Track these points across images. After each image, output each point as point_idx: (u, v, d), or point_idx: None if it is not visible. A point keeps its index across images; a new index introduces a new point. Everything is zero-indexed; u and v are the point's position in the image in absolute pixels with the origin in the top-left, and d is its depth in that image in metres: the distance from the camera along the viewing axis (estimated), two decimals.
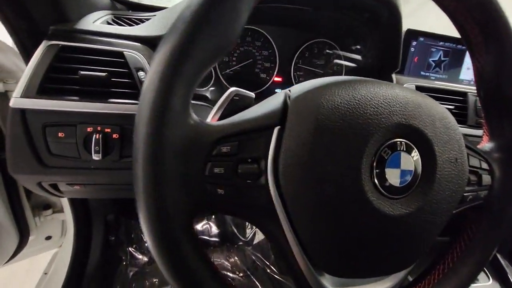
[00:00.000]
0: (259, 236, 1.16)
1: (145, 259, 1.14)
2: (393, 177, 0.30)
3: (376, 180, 0.29)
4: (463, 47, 0.87)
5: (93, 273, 0.99)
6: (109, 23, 0.60)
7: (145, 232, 0.27)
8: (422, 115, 0.31)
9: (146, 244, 1.12)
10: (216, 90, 0.68)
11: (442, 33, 0.85)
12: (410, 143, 0.31)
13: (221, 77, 0.67)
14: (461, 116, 0.76)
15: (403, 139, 0.31)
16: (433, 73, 0.87)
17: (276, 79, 0.72)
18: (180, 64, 0.26)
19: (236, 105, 0.37)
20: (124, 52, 0.54)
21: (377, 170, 0.29)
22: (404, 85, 0.73)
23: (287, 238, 0.30)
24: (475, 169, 0.38)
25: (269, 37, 0.69)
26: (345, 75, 0.76)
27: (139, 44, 0.56)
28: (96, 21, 0.59)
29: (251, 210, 0.31)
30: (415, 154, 0.31)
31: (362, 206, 0.29)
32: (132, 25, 0.60)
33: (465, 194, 0.36)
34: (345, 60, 0.75)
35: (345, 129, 0.29)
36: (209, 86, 0.67)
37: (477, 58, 0.40)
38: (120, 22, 0.61)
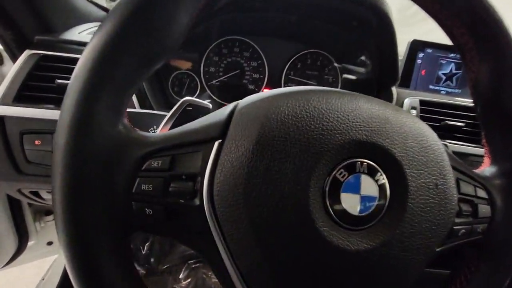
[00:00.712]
0: None
1: (143, 271, 1.12)
2: (350, 204, 0.25)
3: (329, 207, 0.25)
4: None
5: None
6: None
7: (64, 258, 0.24)
8: (390, 131, 0.27)
9: (143, 255, 1.11)
10: None
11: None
12: (374, 165, 0.26)
13: (206, 88, 0.66)
14: (473, 135, 0.68)
15: (365, 159, 0.26)
16: (443, 87, 0.80)
17: (266, 90, 0.69)
18: (104, 69, 0.24)
19: (190, 116, 0.34)
20: None
21: (330, 195, 0.25)
22: (406, 99, 0.67)
23: (225, 265, 0.27)
24: (468, 198, 0.31)
25: (257, 47, 0.66)
26: (341, 87, 0.72)
27: None
28: (82, 32, 0.60)
29: (185, 233, 0.28)
30: (381, 178, 0.26)
31: (310, 238, 0.25)
32: None
33: (454, 227, 0.30)
34: (341, 73, 0.71)
35: (291, 145, 0.25)
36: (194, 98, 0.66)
37: (471, 67, 0.35)
38: None
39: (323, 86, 0.70)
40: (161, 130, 0.34)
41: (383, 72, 0.66)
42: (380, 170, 0.26)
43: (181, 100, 0.35)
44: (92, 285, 0.24)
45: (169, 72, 0.63)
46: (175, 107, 0.35)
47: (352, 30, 0.60)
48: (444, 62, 0.79)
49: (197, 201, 0.26)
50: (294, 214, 0.24)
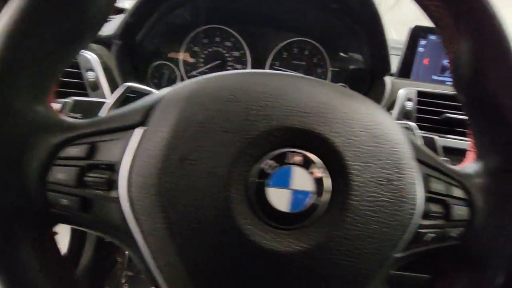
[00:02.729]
0: None
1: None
2: (279, 199, 0.22)
3: (254, 203, 0.22)
4: None
5: (82, 273, 1.01)
6: None
7: None
8: (332, 118, 0.23)
9: None
10: None
11: None
12: (310, 156, 0.22)
13: (186, 79, 0.64)
14: None
15: (298, 149, 0.23)
16: (449, 78, 0.73)
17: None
18: (16, 48, 0.22)
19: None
20: None
21: (255, 189, 0.22)
22: (401, 90, 0.62)
23: (145, 259, 0.24)
24: (439, 197, 0.27)
25: (238, 36, 0.63)
26: (331, 79, 0.68)
27: (94, 44, 0.55)
28: None
29: (103, 225, 0.26)
30: (318, 171, 0.22)
31: (230, 236, 0.21)
32: None
33: (421, 230, 0.26)
34: (330, 63, 0.66)
35: (210, 132, 0.22)
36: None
37: (450, 47, 0.30)
38: None
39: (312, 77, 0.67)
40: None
41: (374, 61, 0.60)
42: (317, 162, 0.22)
43: (121, 85, 0.33)
44: (11, 280, 0.23)
45: (147, 63, 0.62)
46: (115, 93, 0.33)
47: (333, 12, 0.55)
48: None
49: (115, 193, 0.24)
50: (212, 209, 0.21)
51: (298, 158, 0.22)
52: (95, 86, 0.54)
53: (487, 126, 0.29)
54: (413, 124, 0.36)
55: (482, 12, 0.26)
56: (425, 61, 0.73)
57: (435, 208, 0.26)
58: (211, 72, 0.74)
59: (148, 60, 0.62)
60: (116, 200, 0.23)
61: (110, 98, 0.33)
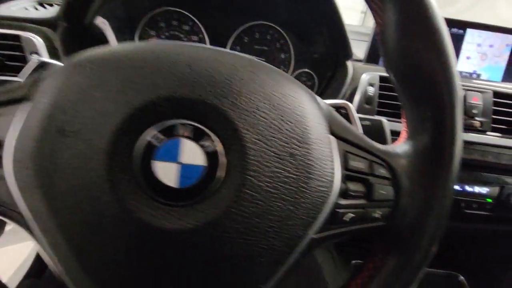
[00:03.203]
0: None
1: None
2: (166, 174, 0.20)
3: (139, 177, 0.20)
4: (460, 31, 0.69)
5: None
6: (35, 8, 0.58)
7: None
8: (227, 87, 0.21)
9: None
10: None
11: None
12: (202, 127, 0.21)
13: None
14: None
15: (188, 120, 0.21)
16: None
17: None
18: None
19: None
20: (21, 35, 0.51)
21: (141, 163, 0.20)
22: (363, 75, 0.60)
23: (37, 237, 0.23)
24: (360, 176, 0.25)
25: (196, 20, 0.61)
26: (295, 64, 0.66)
27: (40, 26, 0.53)
28: (15, 6, 0.58)
29: None
30: (210, 144, 0.21)
31: (113, 213, 0.20)
32: (47, 9, 0.57)
33: (339, 210, 0.24)
34: (294, 48, 0.64)
35: (92, 101, 0.20)
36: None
37: (376, 17, 0.28)
38: (39, 7, 0.59)
39: (275, 63, 0.65)
40: None
41: (335, 47, 0.58)
42: (210, 134, 0.21)
43: (31, 60, 0.30)
44: None
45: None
46: (25, 69, 0.31)
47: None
48: None
49: (1, 170, 0.22)
50: (93, 185, 0.19)
51: (188, 130, 0.20)
52: None
53: (416, 104, 0.27)
54: (350, 104, 0.34)
55: None
56: None
57: (354, 187, 0.24)
58: None
59: (101, 43, 0.59)
60: (2, 177, 0.22)
61: (20, 75, 0.31)
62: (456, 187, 0.60)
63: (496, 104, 0.59)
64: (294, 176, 0.21)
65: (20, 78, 0.32)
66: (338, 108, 0.34)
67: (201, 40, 0.62)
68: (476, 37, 0.69)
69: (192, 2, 0.60)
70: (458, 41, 0.70)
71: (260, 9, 0.62)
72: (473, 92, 0.59)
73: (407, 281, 0.27)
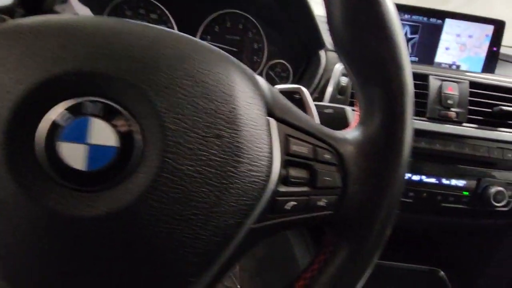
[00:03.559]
0: None
1: None
2: (73, 156, 0.18)
3: (44, 160, 0.18)
4: (439, 22, 0.68)
5: None
6: None
7: None
8: (147, 64, 0.19)
9: None
10: None
11: (408, 3, 0.67)
12: (114, 106, 0.19)
13: None
14: (420, 106, 0.57)
15: (101, 97, 0.19)
16: None
17: None
18: None
19: None
20: None
21: (44, 144, 0.18)
22: (337, 64, 0.58)
23: None
24: (303, 161, 0.23)
25: (164, 8, 0.59)
26: (268, 54, 0.64)
27: None
28: None
29: None
30: (124, 123, 0.19)
31: (18, 200, 0.18)
32: None
33: (279, 198, 0.22)
34: (266, 37, 0.62)
35: None
36: None
37: None
38: None
39: (247, 53, 0.63)
40: None
41: (307, 36, 0.57)
42: (124, 113, 0.18)
43: None
44: None
45: None
46: None
47: None
48: None
49: None
50: None
51: (98, 108, 0.18)
52: None
53: (366, 88, 0.26)
54: (303, 89, 0.32)
55: None
56: None
57: (296, 173, 0.23)
58: None
59: None
60: None
61: None
62: (433, 180, 0.59)
63: (472, 94, 0.58)
64: (220, 160, 0.19)
65: None
66: (292, 93, 0.32)
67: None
68: (455, 28, 0.68)
69: None
70: (437, 31, 0.68)
71: None
72: (448, 82, 0.58)
73: (359, 272, 0.26)
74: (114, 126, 0.18)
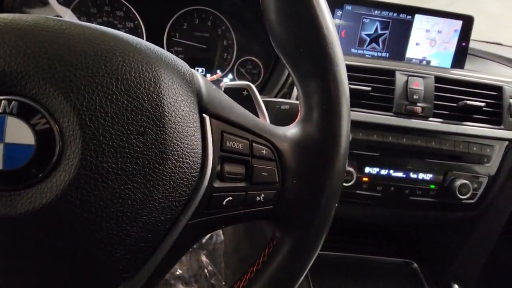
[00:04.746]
0: (215, 240, 1.06)
1: None
2: None
3: None
4: (408, 17, 0.68)
5: None
6: None
7: None
8: (60, 58, 0.19)
9: None
10: None
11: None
12: (31, 104, 0.18)
13: None
14: (385, 101, 0.58)
15: (17, 96, 0.18)
16: (368, 50, 0.70)
17: None
18: None
19: None
20: None
21: None
22: None
23: None
24: (239, 157, 0.24)
25: (129, 6, 0.58)
26: (238, 51, 0.64)
27: None
28: None
29: None
30: (41, 121, 0.18)
31: None
32: None
33: (216, 194, 0.23)
34: (235, 35, 0.62)
35: None
36: None
37: None
38: None
39: (217, 50, 0.63)
40: None
41: None
42: (41, 111, 0.18)
43: None
44: None
45: None
46: None
47: None
48: (367, 21, 0.68)
49: None
50: None
51: (14, 106, 0.18)
52: None
53: (304, 84, 0.26)
54: (252, 86, 0.32)
55: None
56: (342, 34, 0.70)
57: (232, 169, 0.23)
58: None
59: None
60: None
61: None
62: (400, 174, 0.60)
63: (438, 89, 0.59)
64: (145, 157, 0.19)
65: None
66: (240, 89, 0.32)
67: (137, 27, 0.59)
68: (424, 23, 0.69)
69: None
70: (407, 27, 0.69)
71: None
72: (414, 77, 0.58)
73: (301, 264, 0.26)
74: (30, 124, 0.18)
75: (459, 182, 0.58)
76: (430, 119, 0.59)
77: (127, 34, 0.22)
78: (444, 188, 0.60)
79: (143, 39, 0.60)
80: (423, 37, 0.69)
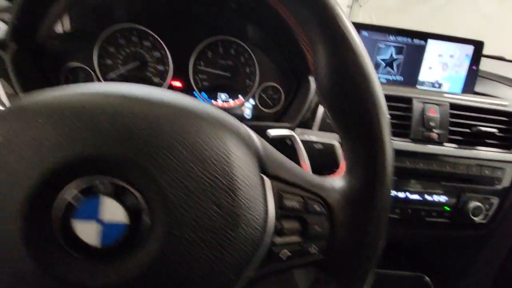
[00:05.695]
0: None
1: None
2: (87, 233, 0.20)
3: (60, 238, 0.20)
4: (422, 42, 0.71)
5: None
6: None
7: None
8: (144, 140, 0.21)
9: None
10: None
11: (393, 26, 0.70)
12: (122, 185, 0.21)
13: (103, 82, 0.60)
14: (404, 128, 0.61)
15: (110, 177, 0.21)
16: (384, 74, 0.72)
17: (174, 83, 0.63)
18: None
19: None
20: None
21: (60, 223, 0.20)
22: None
23: None
24: (294, 213, 0.26)
25: (156, 36, 0.60)
26: (260, 77, 0.66)
27: None
28: None
29: None
30: (132, 201, 0.21)
31: (35, 275, 0.20)
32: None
33: (274, 248, 0.25)
34: (258, 62, 0.64)
35: (5, 160, 0.20)
36: None
37: (310, 59, 0.28)
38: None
39: (240, 77, 0.65)
40: None
41: (296, 61, 0.59)
42: (132, 191, 0.20)
43: None
44: None
45: (57, 66, 0.58)
46: None
47: (235, 12, 0.53)
48: (382, 46, 0.71)
49: None
50: (9, 252, 0.19)
51: (108, 188, 0.20)
52: None
53: (350, 139, 0.28)
54: (295, 135, 0.34)
55: (335, 31, 0.25)
56: None
57: (289, 225, 0.25)
58: (130, 75, 0.69)
59: (59, 62, 0.58)
60: None
61: None
62: (417, 196, 0.63)
63: (452, 115, 0.61)
64: (219, 225, 0.21)
65: None
66: (284, 138, 0.35)
67: (163, 57, 0.61)
68: (437, 48, 0.71)
69: (151, 18, 0.59)
70: (420, 52, 0.71)
71: (221, 24, 0.61)
72: (430, 104, 0.61)
73: None
74: (123, 203, 0.20)
75: (472, 204, 0.61)
76: (445, 144, 0.61)
77: (196, 103, 0.24)
78: (458, 210, 0.63)
79: (169, 68, 0.62)
80: (436, 61, 0.72)
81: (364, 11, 3.22)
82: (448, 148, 0.61)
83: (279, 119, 0.66)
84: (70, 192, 0.20)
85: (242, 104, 0.66)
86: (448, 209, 0.62)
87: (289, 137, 0.34)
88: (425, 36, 0.70)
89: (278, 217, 0.24)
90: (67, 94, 0.22)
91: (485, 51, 0.71)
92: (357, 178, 0.27)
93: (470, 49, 0.72)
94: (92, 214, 0.20)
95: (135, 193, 0.20)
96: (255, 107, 0.67)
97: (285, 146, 0.35)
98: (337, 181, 0.28)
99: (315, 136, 0.57)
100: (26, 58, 0.51)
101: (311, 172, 0.28)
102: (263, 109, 0.67)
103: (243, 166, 0.23)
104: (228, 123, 0.24)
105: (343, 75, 0.26)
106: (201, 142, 0.22)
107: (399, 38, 0.70)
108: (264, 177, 0.24)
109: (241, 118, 0.66)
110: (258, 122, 0.60)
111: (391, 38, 0.70)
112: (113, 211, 0.20)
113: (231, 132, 0.24)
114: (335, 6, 0.25)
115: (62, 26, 0.53)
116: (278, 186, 0.25)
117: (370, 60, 0.26)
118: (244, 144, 0.24)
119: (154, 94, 0.23)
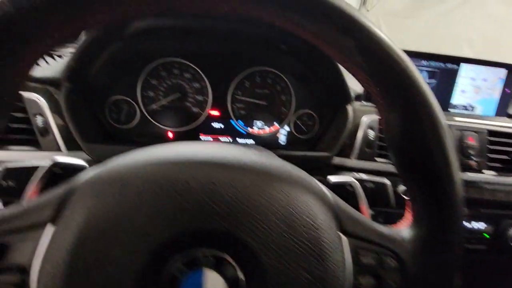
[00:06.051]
0: None
1: None
2: None
3: None
4: (454, 66, 0.71)
5: None
6: (45, 61, 0.58)
7: None
8: (243, 214, 0.22)
9: None
10: (141, 128, 0.62)
11: (427, 51, 0.70)
12: (222, 256, 0.22)
13: (145, 113, 0.62)
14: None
15: (210, 249, 0.22)
16: None
17: (212, 112, 0.64)
18: None
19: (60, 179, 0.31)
20: (24, 96, 0.51)
21: None
22: (363, 117, 0.61)
23: None
24: (370, 269, 0.27)
25: (197, 68, 0.61)
26: (296, 105, 0.66)
27: (42, 85, 0.53)
28: None
29: None
30: (232, 271, 0.22)
31: None
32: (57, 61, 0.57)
33: None
34: (293, 89, 0.65)
35: (115, 239, 0.21)
36: (133, 123, 0.62)
37: (381, 113, 0.29)
38: (49, 59, 0.58)
39: (276, 105, 0.66)
40: (29, 196, 0.31)
41: (334, 91, 0.60)
42: (231, 261, 0.22)
43: (45, 161, 0.31)
44: None
45: (103, 99, 0.60)
46: (38, 170, 0.31)
47: (285, 53, 0.54)
48: None
49: None
50: None
51: (209, 260, 0.22)
52: (45, 131, 0.52)
53: (419, 192, 0.28)
54: (356, 182, 0.35)
55: (407, 89, 0.26)
56: None
57: (365, 280, 0.26)
58: (171, 105, 0.71)
59: (104, 96, 0.60)
60: None
61: (38, 172, 0.31)
62: None
63: (491, 142, 0.61)
64: None
65: (42, 163, 0.32)
66: (345, 185, 0.36)
67: (203, 87, 0.63)
68: (470, 71, 0.71)
69: (193, 52, 0.61)
70: (453, 75, 0.72)
71: (260, 56, 0.63)
72: (468, 132, 0.61)
73: None
74: (223, 274, 0.21)
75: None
76: (484, 171, 0.61)
77: (273, 161, 0.25)
78: (497, 237, 0.62)
79: (208, 98, 0.63)
80: (469, 85, 0.72)
81: (371, 15, 3.20)
82: (487, 176, 0.61)
83: (313, 146, 0.66)
84: (175, 266, 0.21)
85: (277, 131, 0.67)
86: (487, 236, 0.62)
87: (350, 183, 0.35)
88: (458, 60, 0.70)
89: (355, 273, 0.25)
90: (160, 165, 0.23)
91: (500, 55, 0.70)
92: (426, 230, 0.28)
93: (503, 72, 0.72)
94: (196, 286, 0.21)
95: (235, 264, 0.22)
96: (289, 134, 0.68)
97: (346, 193, 0.36)
98: (404, 232, 0.29)
99: (355, 164, 0.58)
100: (78, 97, 0.53)
101: (380, 225, 0.28)
102: (297, 135, 0.68)
103: (328, 230, 0.24)
104: (307, 183, 0.25)
105: (417, 137, 0.26)
106: (291, 210, 0.23)
107: (432, 63, 0.70)
108: (341, 235, 0.25)
109: (276, 145, 0.67)
110: (295, 152, 0.60)
111: (424, 63, 0.70)
112: (214, 282, 0.21)
113: (312, 193, 0.25)
114: (415, 71, 0.26)
115: (111, 63, 0.55)
116: (354, 243, 0.26)
117: (444, 119, 0.26)
118: (324, 205, 0.25)
119: (233, 156, 0.24)
